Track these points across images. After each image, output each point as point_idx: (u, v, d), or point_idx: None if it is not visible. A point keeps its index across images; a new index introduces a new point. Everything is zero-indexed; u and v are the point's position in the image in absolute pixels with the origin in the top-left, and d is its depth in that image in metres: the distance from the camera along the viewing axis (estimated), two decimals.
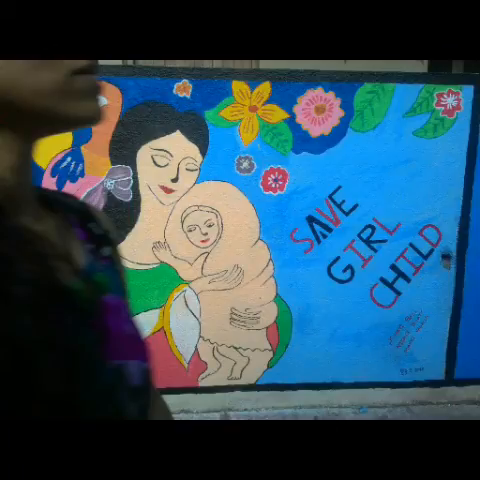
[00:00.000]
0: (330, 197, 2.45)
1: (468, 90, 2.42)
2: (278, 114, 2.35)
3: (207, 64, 3.26)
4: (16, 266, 0.35)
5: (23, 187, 0.42)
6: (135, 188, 2.34)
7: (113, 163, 2.30)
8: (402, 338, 2.61)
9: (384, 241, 2.52)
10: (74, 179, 2.29)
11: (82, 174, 2.29)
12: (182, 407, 2.54)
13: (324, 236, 2.48)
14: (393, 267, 2.55)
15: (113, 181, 2.32)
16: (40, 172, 2.24)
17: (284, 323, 2.53)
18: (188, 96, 2.29)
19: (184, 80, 2.28)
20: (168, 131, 2.31)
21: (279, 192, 2.42)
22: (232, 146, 2.35)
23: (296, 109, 2.36)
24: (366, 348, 2.60)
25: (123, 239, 2.36)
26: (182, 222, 2.39)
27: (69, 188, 2.28)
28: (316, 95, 2.36)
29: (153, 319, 2.45)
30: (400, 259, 2.55)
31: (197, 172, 2.36)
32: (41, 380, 0.34)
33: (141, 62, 2.84)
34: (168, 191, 2.36)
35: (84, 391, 0.37)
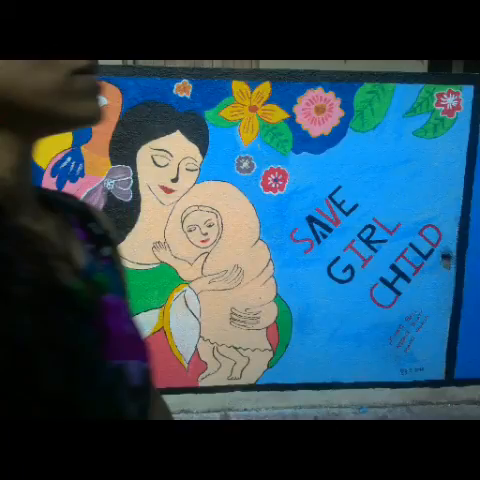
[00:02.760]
0: (330, 197, 2.45)
1: (468, 90, 2.42)
2: (278, 114, 2.35)
3: (207, 64, 3.26)
4: (16, 266, 0.35)
5: (23, 187, 0.42)
6: (135, 188, 2.34)
7: (113, 163, 2.30)
8: (402, 338, 2.61)
9: (384, 241, 2.52)
10: (74, 179, 2.29)
11: (82, 174, 2.29)
12: (182, 407, 2.54)
13: (324, 236, 2.48)
14: (393, 267, 2.55)
15: (113, 181, 2.32)
16: (40, 172, 2.24)
17: (284, 323, 2.53)
18: (188, 96, 2.29)
19: (184, 80, 2.28)
20: (168, 131, 2.31)
21: (279, 192, 2.42)
22: (232, 146, 2.35)
23: (296, 109, 2.36)
24: (366, 348, 2.60)
25: (123, 239, 2.36)
26: (182, 222, 2.39)
27: (69, 188, 2.28)
28: (316, 95, 2.36)
29: (153, 319, 2.45)
30: (400, 259, 2.55)
31: (197, 172, 2.36)
32: (41, 380, 0.34)
33: (141, 62, 2.84)
34: (168, 191, 2.36)
35: (84, 391, 0.37)
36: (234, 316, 2.50)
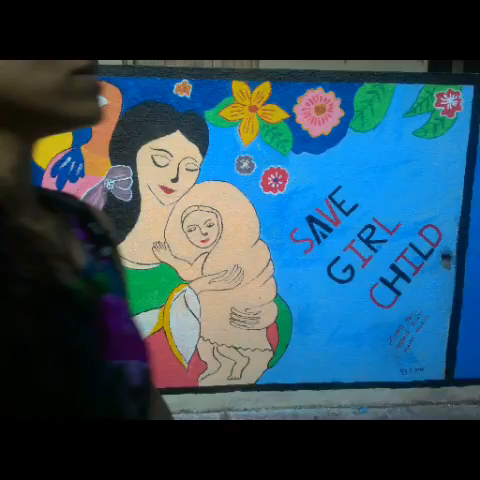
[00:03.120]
0: (330, 197, 2.45)
1: (468, 90, 2.42)
2: (278, 114, 2.35)
3: (207, 64, 3.26)
4: (16, 266, 0.35)
5: (23, 187, 0.42)
6: (135, 188, 2.34)
7: (113, 163, 2.30)
8: (402, 338, 2.61)
9: (384, 241, 2.52)
10: (74, 179, 2.29)
11: (82, 174, 2.29)
12: (182, 407, 2.54)
13: (324, 236, 2.48)
14: (393, 267, 2.55)
15: (113, 181, 2.32)
16: (40, 172, 2.24)
17: (284, 323, 2.53)
18: (188, 96, 2.29)
19: (184, 80, 2.28)
20: (168, 131, 2.31)
21: (279, 192, 2.42)
22: (232, 146, 2.35)
23: (296, 109, 2.36)
24: (366, 348, 2.60)
25: (123, 239, 2.36)
26: (182, 222, 2.39)
27: (69, 188, 2.28)
28: (316, 95, 2.36)
29: (153, 319, 2.45)
30: (400, 259, 2.55)
31: (197, 172, 2.36)
32: (41, 380, 0.34)
33: (141, 62, 2.84)
34: (168, 191, 2.36)
35: (84, 391, 0.37)
36: (234, 316, 2.50)
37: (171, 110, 2.29)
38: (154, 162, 2.33)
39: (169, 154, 2.33)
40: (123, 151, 2.30)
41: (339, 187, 2.45)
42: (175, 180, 2.35)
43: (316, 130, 2.39)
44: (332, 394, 2.64)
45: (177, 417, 2.07)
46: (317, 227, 2.47)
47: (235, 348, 2.53)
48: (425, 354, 2.64)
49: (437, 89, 2.41)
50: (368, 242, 2.51)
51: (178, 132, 2.32)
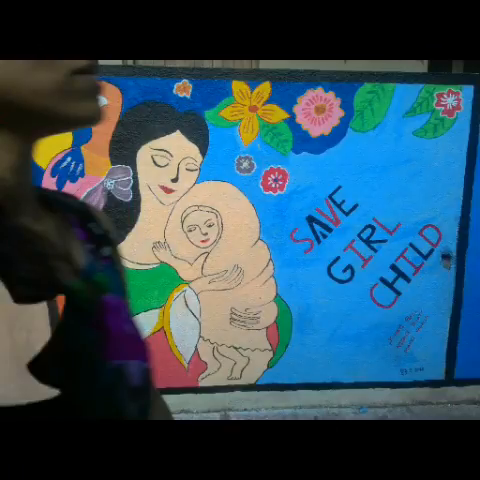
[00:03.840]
0: (330, 197, 2.45)
1: (468, 90, 2.42)
2: (278, 114, 2.35)
3: (207, 64, 3.26)
4: (16, 266, 0.35)
5: (23, 187, 0.42)
6: (135, 188, 2.34)
7: (113, 163, 2.30)
8: (402, 338, 2.61)
9: (384, 241, 2.52)
10: (74, 179, 2.29)
11: (82, 174, 2.29)
12: (182, 407, 2.54)
13: (324, 236, 2.48)
14: (393, 267, 2.55)
15: (113, 181, 2.32)
16: (40, 172, 2.24)
17: (284, 323, 2.53)
18: (188, 96, 2.29)
19: (184, 80, 2.28)
20: (168, 131, 2.31)
21: (279, 192, 2.42)
22: (232, 146, 2.35)
23: (296, 109, 2.36)
24: (366, 348, 2.60)
25: (123, 239, 2.36)
26: (182, 222, 2.39)
27: (69, 188, 2.28)
28: (316, 95, 2.36)
29: (153, 319, 2.45)
30: (400, 259, 2.55)
31: (197, 172, 2.36)
32: (41, 379, 0.34)
33: (141, 62, 2.84)
34: (168, 191, 2.36)
35: (84, 391, 0.37)
36: (234, 316, 2.50)
37: (171, 110, 2.29)
38: (154, 162, 2.33)
39: (169, 154, 2.33)
40: (123, 151, 2.30)
41: (339, 187, 2.45)
42: (175, 180, 2.35)
43: (316, 130, 2.39)
44: (332, 394, 2.64)
45: (177, 417, 2.07)
46: (317, 227, 2.47)
47: (235, 348, 2.53)
48: (425, 354, 2.64)
49: (437, 89, 2.41)
50: (368, 242, 2.51)
51: (178, 132, 2.32)
